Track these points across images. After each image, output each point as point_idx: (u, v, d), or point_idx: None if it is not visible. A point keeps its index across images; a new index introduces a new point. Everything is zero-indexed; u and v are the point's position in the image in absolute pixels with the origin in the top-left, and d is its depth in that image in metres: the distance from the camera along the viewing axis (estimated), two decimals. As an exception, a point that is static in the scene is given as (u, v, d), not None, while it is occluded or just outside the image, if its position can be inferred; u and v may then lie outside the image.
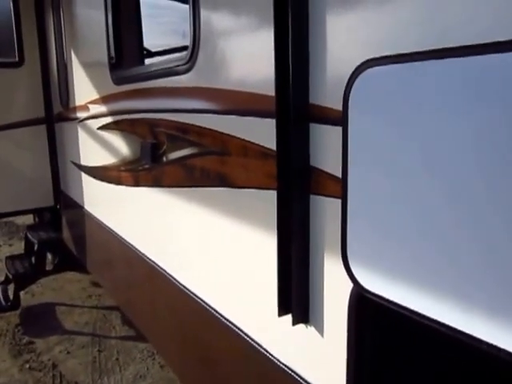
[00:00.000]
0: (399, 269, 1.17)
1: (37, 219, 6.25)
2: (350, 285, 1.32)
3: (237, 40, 1.76)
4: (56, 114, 4.67)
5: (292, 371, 1.65)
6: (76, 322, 4.85)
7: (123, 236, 3.15)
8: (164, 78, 2.27)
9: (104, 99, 3.18)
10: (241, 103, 1.73)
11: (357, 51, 1.22)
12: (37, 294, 5.46)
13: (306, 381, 1.59)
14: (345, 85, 1.20)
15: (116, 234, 3.28)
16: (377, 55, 1.13)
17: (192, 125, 2.08)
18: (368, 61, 1.14)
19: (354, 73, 1.18)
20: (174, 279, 2.46)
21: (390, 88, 1.10)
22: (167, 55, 3.82)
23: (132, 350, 4.27)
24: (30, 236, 5.16)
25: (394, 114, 1.10)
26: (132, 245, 3.01)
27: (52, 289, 5.61)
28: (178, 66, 2.11)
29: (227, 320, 2.00)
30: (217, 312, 2.08)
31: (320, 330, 1.52)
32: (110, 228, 3.41)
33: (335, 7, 1.31)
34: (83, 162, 3.94)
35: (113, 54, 2.94)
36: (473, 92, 0.93)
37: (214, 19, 1.88)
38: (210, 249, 2.12)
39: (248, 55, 1.69)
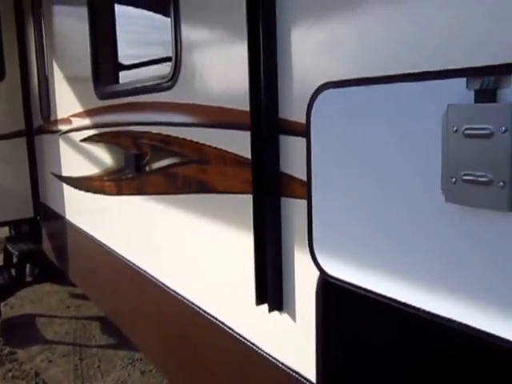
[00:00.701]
0: (357, 256, 1.42)
1: (13, 231, 6.36)
2: (317, 273, 1.57)
3: (214, 62, 2.02)
4: (36, 127, 4.85)
5: (269, 355, 1.89)
6: (56, 332, 5.00)
7: (107, 244, 3.36)
8: (148, 93, 2.51)
9: (88, 113, 3.40)
10: (219, 117, 1.98)
11: (317, 75, 1.48)
12: (16, 306, 5.58)
13: (282, 363, 1.83)
14: (307, 103, 1.46)
15: (100, 242, 3.48)
16: (333, 79, 1.40)
17: (174, 137, 2.32)
18: (326, 83, 1.40)
19: (314, 93, 1.44)
20: (160, 282, 2.68)
21: (343, 106, 1.37)
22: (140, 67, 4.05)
23: (113, 358, 4.44)
24: (9, 248, 5.30)
25: (347, 128, 1.36)
26: (116, 252, 3.22)
27: (31, 301, 5.73)
28: (162, 83, 2.35)
29: (210, 315, 2.24)
30: (200, 308, 2.31)
31: (292, 316, 1.76)
32: (93, 236, 3.61)
33: (299, 37, 1.57)
34: (65, 173, 4.14)
35: (97, 69, 3.17)
36: (404, 111, 1.20)
37: (194, 44, 2.14)
38: (193, 250, 2.36)
39: (225, 75, 1.95)
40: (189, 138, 2.21)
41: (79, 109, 3.57)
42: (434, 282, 1.20)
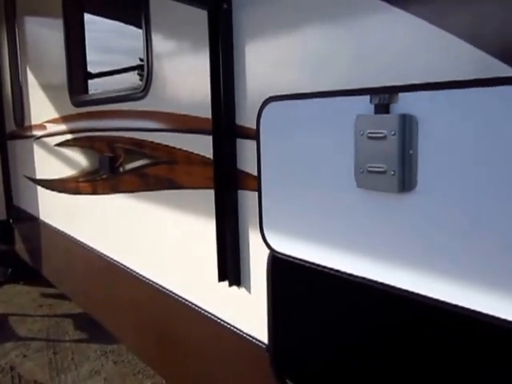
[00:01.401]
0: (299, 234, 1.79)
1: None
2: (267, 251, 1.94)
3: (182, 75, 2.38)
4: (9, 132, 5.10)
5: (230, 325, 2.24)
6: (29, 329, 5.21)
7: (83, 240, 3.66)
8: (123, 102, 2.85)
9: (63, 119, 3.71)
10: (186, 124, 2.34)
11: (265, 89, 1.86)
12: (-14, 306, 5.76)
13: (241, 330, 2.19)
14: (257, 112, 1.83)
15: (75, 239, 3.78)
16: (277, 93, 1.77)
17: (146, 141, 2.67)
18: (270, 97, 1.78)
19: (262, 104, 1.81)
20: (134, 271, 3.01)
21: (284, 116, 1.74)
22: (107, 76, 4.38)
23: (86, 351, 4.70)
24: (-19, 249, 5.51)
25: (287, 133, 1.74)
26: (92, 247, 3.53)
27: (2, 301, 5.91)
28: (135, 93, 2.70)
29: (179, 296, 2.59)
30: (171, 292, 2.66)
31: (248, 289, 2.13)
32: (68, 234, 3.91)
33: (252, 55, 1.94)
34: (40, 176, 4.41)
35: (72, 78, 3.48)
36: (327, 120, 1.58)
37: (163, 60, 2.50)
38: (163, 240, 2.70)
39: (190, 87, 2.31)
40: (159, 142, 2.56)
41: (54, 115, 3.87)
42: (355, 249, 1.58)
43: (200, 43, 2.15)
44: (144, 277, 2.90)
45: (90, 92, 3.70)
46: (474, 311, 1.29)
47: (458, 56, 1.28)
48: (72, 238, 3.85)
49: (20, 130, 4.76)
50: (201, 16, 2.04)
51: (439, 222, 1.33)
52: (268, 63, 1.87)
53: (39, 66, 4.26)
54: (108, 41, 3.86)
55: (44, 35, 4.16)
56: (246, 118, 2.00)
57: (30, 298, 5.99)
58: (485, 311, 1.26)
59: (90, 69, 4.82)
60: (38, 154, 4.38)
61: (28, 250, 5.10)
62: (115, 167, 3.03)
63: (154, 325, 2.94)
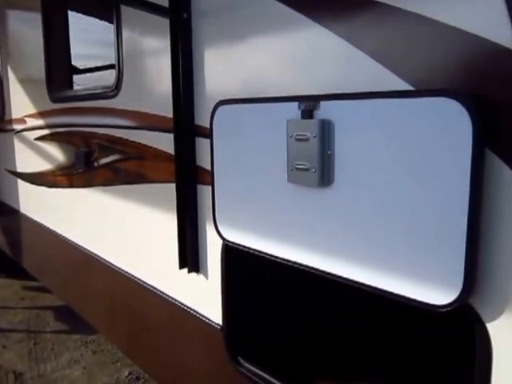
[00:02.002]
0: (247, 225, 2.08)
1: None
2: (221, 241, 2.23)
3: (148, 77, 2.67)
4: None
5: (191, 309, 2.55)
6: (10, 321, 5.51)
7: (60, 232, 3.96)
8: (96, 100, 3.14)
9: (42, 114, 4.00)
10: (152, 122, 2.63)
11: (219, 93, 2.15)
12: (-33, 299, 6.05)
13: (199, 313, 2.49)
14: (210, 114, 2.13)
15: (53, 230, 4.08)
16: (226, 98, 2.07)
17: (118, 137, 2.96)
18: (221, 101, 2.07)
19: (214, 107, 2.10)
20: (107, 262, 3.31)
21: (232, 118, 2.04)
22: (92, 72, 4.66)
23: (66, 341, 5.00)
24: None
25: (235, 133, 2.03)
26: (68, 238, 3.83)
27: (-16, 294, 6.21)
28: (107, 92, 2.99)
29: (146, 283, 2.89)
30: (139, 279, 2.96)
31: (206, 275, 2.43)
32: (47, 226, 4.21)
33: (208, 62, 2.23)
34: (20, 169, 4.70)
35: (51, 76, 3.77)
36: (266, 123, 1.87)
37: (132, 62, 2.80)
38: (133, 230, 3.00)
39: (155, 88, 2.61)
40: (129, 139, 2.85)
41: (34, 110, 4.15)
42: (288, 237, 1.88)
43: (164, 48, 2.43)
44: (117, 266, 3.20)
45: (80, 86, 3.99)
46: (381, 290, 1.59)
47: (367, 71, 1.57)
48: (51, 230, 4.14)
49: (0, 123, 5.03)
50: (166, 22, 2.33)
51: (353, 212, 1.63)
52: (222, 69, 2.17)
53: (19, 61, 4.54)
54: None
55: (24, 29, 4.44)
56: (204, 118, 2.29)
57: (11, 291, 6.28)
58: (386, 288, 1.57)
59: (85, 62, 5.13)
60: (19, 147, 4.67)
61: (9, 243, 5.39)
62: (90, 162, 3.32)
63: (125, 312, 3.24)
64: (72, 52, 4.08)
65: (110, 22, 3.49)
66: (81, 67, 5.80)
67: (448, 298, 1.40)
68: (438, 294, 1.42)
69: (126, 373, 4.34)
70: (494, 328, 1.38)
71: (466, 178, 1.32)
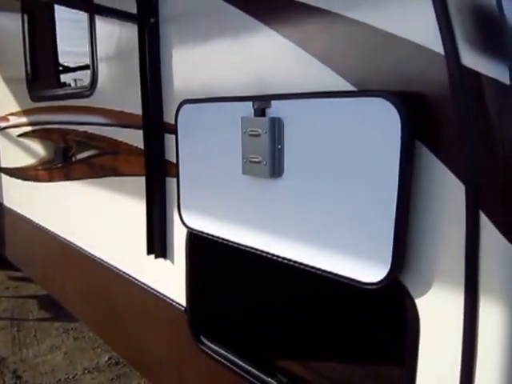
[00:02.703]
0: (209, 214, 2.16)
1: None
2: (185, 229, 2.31)
3: (120, 77, 2.73)
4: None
5: (157, 292, 2.61)
6: (-5, 309, 5.50)
7: (42, 224, 4.00)
8: (74, 99, 3.19)
9: (23, 112, 4.03)
10: (124, 119, 2.69)
11: (184, 92, 2.22)
12: (-49, 289, 6.01)
13: (166, 296, 2.56)
14: (175, 112, 2.19)
15: (36, 223, 4.12)
16: (189, 97, 2.14)
17: (93, 134, 3.01)
18: (184, 100, 2.14)
19: (179, 105, 2.18)
20: (85, 251, 3.36)
21: (195, 115, 2.11)
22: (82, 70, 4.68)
23: (48, 328, 5.01)
24: None
25: (198, 130, 2.11)
26: (49, 229, 3.87)
27: (-32, 284, 6.18)
28: (83, 91, 3.04)
29: (117, 268, 2.96)
30: (114, 267, 3.02)
31: (172, 261, 2.50)
32: (30, 219, 4.24)
33: (175, 62, 2.30)
34: (3, 165, 4.71)
35: (31, 76, 3.80)
36: (225, 120, 1.95)
37: (105, 64, 2.86)
38: (108, 220, 3.06)
39: (126, 87, 2.66)
40: (104, 135, 2.91)
41: (16, 108, 4.18)
42: (245, 224, 1.96)
43: (134, 49, 2.49)
44: (92, 254, 3.26)
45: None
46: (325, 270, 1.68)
47: (315, 72, 1.66)
48: (32, 222, 4.18)
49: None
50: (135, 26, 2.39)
51: (300, 200, 1.72)
52: (188, 70, 2.24)
53: (3, 61, 4.54)
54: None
55: (7, 28, 4.44)
56: (172, 116, 2.35)
57: (-4, 281, 6.27)
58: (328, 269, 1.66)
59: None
60: (2, 144, 4.68)
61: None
62: (68, 157, 3.37)
63: (99, 298, 3.30)
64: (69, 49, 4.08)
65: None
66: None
67: (378, 276, 1.49)
68: (370, 272, 1.52)
69: (106, 358, 4.37)
70: (421, 303, 1.47)
71: (396, 166, 1.41)
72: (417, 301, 1.48)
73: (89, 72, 3.07)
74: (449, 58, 1.31)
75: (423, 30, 1.37)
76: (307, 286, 2.57)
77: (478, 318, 1.35)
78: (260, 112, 1.78)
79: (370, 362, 2.36)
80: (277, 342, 2.55)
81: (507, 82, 1.27)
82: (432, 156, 1.39)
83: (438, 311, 1.44)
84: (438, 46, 1.33)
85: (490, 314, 1.33)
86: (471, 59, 1.29)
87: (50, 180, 3.74)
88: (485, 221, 1.32)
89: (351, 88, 1.57)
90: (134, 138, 2.65)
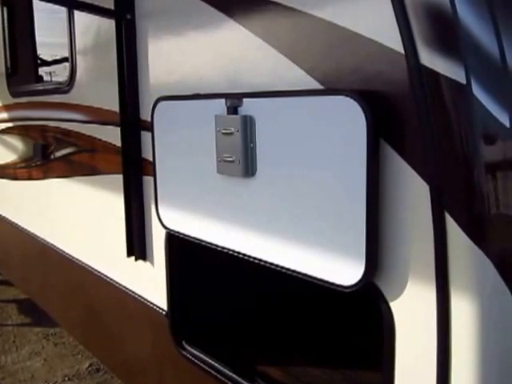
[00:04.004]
0: (185, 214, 2.25)
1: None
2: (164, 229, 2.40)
3: (97, 74, 2.83)
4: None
5: (137, 295, 2.71)
6: (-27, 315, 5.60)
7: (21, 224, 4.09)
8: (51, 95, 3.29)
9: (4, 108, 4.12)
10: (102, 116, 2.79)
11: (158, 90, 2.32)
12: None
13: (146, 300, 2.66)
14: (151, 109, 2.29)
15: (14, 223, 4.21)
16: (165, 94, 2.23)
17: (72, 131, 3.11)
18: (160, 97, 2.24)
19: (155, 102, 2.27)
20: (64, 252, 3.46)
21: (171, 113, 2.21)
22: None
23: (27, 334, 5.11)
24: None
25: (174, 128, 2.20)
26: (28, 231, 3.97)
27: None
28: (62, 87, 3.14)
29: (97, 270, 3.05)
30: (93, 269, 3.12)
31: (152, 263, 2.59)
32: (8, 219, 4.33)
33: (151, 60, 2.39)
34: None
35: (10, 71, 3.91)
36: (201, 118, 2.04)
37: (83, 60, 2.95)
38: (87, 221, 3.15)
39: (103, 84, 2.76)
40: (82, 132, 3.01)
41: (-4, 104, 4.29)
42: (220, 224, 2.05)
43: (112, 44, 2.58)
44: (71, 256, 3.35)
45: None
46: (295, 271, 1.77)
47: (283, 70, 1.76)
48: (10, 222, 4.27)
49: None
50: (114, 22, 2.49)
51: (273, 199, 1.81)
52: (164, 67, 2.34)
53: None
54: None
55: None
56: (147, 113, 2.45)
57: (-25, 286, 6.36)
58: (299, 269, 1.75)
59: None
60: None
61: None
62: (47, 154, 3.47)
63: (79, 302, 3.40)
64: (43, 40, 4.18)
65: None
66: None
67: (353, 279, 1.58)
68: (345, 275, 1.60)
69: (87, 364, 4.47)
70: (396, 305, 1.56)
71: (363, 166, 1.50)
72: (391, 304, 1.56)
73: (64, 65, 3.16)
74: (408, 57, 1.41)
75: (384, 29, 1.46)
76: (287, 287, 2.67)
77: (451, 318, 1.43)
78: (232, 110, 1.88)
79: (348, 366, 2.46)
80: (258, 346, 2.64)
81: (464, 81, 1.37)
82: (396, 156, 1.48)
83: (412, 313, 1.52)
84: (398, 45, 1.42)
85: (460, 314, 1.41)
86: (429, 59, 1.38)
87: (29, 178, 3.84)
88: (450, 221, 1.41)
89: (318, 86, 1.66)
90: (112, 135, 2.74)
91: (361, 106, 1.48)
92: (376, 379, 2.02)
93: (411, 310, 1.53)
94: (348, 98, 1.50)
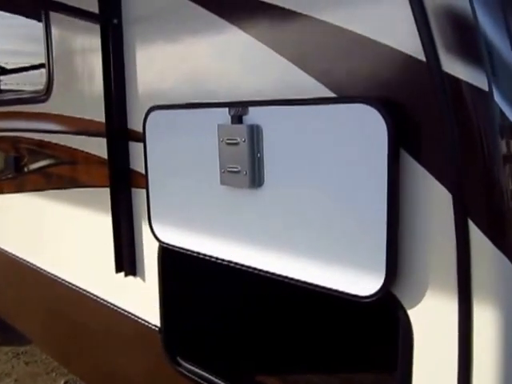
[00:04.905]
0: (182, 227, 2.16)
1: None
2: (157, 243, 2.30)
3: (79, 82, 2.70)
4: None
5: (128, 312, 2.60)
6: None
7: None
8: (25, 104, 3.14)
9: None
10: (84, 126, 2.67)
11: (151, 98, 2.23)
12: None
13: (137, 316, 2.55)
14: (143, 119, 2.20)
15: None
16: (157, 104, 2.15)
17: (49, 142, 2.97)
18: (153, 106, 2.15)
19: (147, 112, 2.18)
20: (40, 268, 3.30)
21: (165, 122, 2.12)
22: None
23: (-4, 354, 4.89)
24: None
25: (168, 138, 2.12)
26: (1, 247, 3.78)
27: None
28: (37, 96, 2.99)
29: (83, 289, 2.91)
30: (75, 286, 2.98)
31: (143, 278, 2.49)
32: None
33: (140, 69, 2.30)
34: None
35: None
36: (199, 128, 1.97)
37: (62, 68, 2.82)
38: (68, 237, 3.01)
39: (88, 93, 2.64)
40: (61, 143, 2.87)
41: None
42: (222, 237, 1.98)
43: (95, 52, 2.48)
44: (50, 273, 3.20)
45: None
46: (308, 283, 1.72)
47: (290, 77, 1.70)
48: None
49: None
50: (96, 26, 2.37)
51: (283, 211, 1.75)
52: (154, 74, 2.25)
53: None
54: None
55: None
56: (136, 123, 2.35)
57: None
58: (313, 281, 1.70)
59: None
60: None
61: None
62: (20, 167, 3.31)
63: (61, 321, 3.25)
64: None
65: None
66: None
67: (373, 288, 1.54)
68: (364, 285, 1.56)
69: (62, 382, 4.30)
70: (414, 314, 1.52)
71: (384, 175, 1.46)
72: (409, 312, 1.53)
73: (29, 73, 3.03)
74: (430, 63, 1.38)
75: (402, 35, 1.43)
76: (285, 300, 2.62)
77: (473, 327, 1.41)
78: (237, 119, 1.81)
79: (346, 371, 2.44)
80: (255, 357, 2.58)
81: (486, 88, 1.35)
82: (417, 165, 1.44)
83: (432, 323, 1.49)
84: (417, 51, 1.39)
85: (484, 323, 1.39)
86: (452, 65, 1.35)
87: (0, 192, 3.66)
88: (474, 229, 1.38)
89: (329, 93, 1.61)
90: (95, 146, 2.63)
91: (382, 115, 1.44)
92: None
93: (431, 319, 1.49)
94: (368, 106, 1.46)
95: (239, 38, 1.84)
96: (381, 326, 2.49)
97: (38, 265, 3.35)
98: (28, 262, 3.45)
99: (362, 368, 2.42)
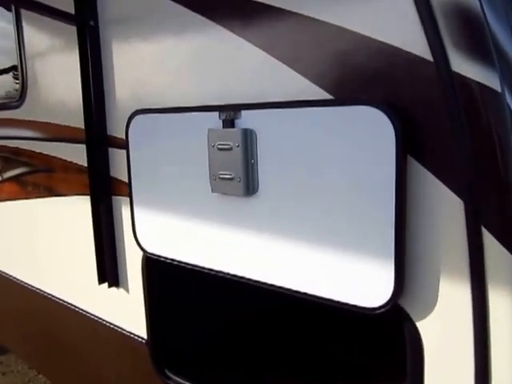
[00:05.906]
0: (168, 236, 2.00)
1: None
2: (141, 252, 2.13)
3: (55, 87, 2.50)
4: None
5: (113, 324, 2.41)
6: None
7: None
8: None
9: None
10: (61, 133, 2.47)
11: (132, 103, 2.04)
12: None
13: (121, 328, 2.37)
14: (125, 124, 2.01)
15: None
16: (141, 108, 1.97)
17: (23, 149, 2.75)
18: (136, 110, 1.97)
19: (130, 117, 2.00)
20: (18, 280, 3.07)
21: (149, 127, 1.94)
22: None
23: (-29, 365, 4.61)
24: None
25: (154, 143, 1.94)
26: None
27: None
28: (11, 102, 2.77)
29: (63, 301, 2.71)
30: (55, 297, 2.77)
31: (127, 289, 2.31)
32: None
33: (119, 74, 2.12)
34: None
35: None
36: (186, 132, 1.80)
37: (37, 73, 2.60)
38: (46, 247, 2.80)
39: (63, 98, 2.44)
40: (36, 150, 2.66)
41: None
42: (212, 246, 1.82)
43: (72, 56, 2.28)
44: (28, 284, 2.98)
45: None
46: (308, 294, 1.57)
47: (284, 79, 1.55)
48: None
49: None
50: (70, 28, 2.18)
51: (279, 219, 1.60)
52: (134, 78, 2.06)
53: None
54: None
55: None
56: (116, 129, 2.17)
57: None
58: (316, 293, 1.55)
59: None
60: None
61: None
62: (-8, 175, 3.07)
63: (42, 332, 3.02)
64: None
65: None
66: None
67: (380, 301, 1.41)
68: (372, 297, 1.43)
69: (40, 392, 4.08)
70: (424, 326, 1.40)
71: (392, 183, 1.33)
72: (418, 324, 1.41)
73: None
74: (438, 63, 1.25)
75: (411, 36, 1.30)
76: (276, 310, 2.47)
77: (490, 340, 1.29)
78: (229, 123, 1.65)
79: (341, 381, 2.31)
80: (244, 368, 2.43)
81: (499, 89, 1.23)
82: (425, 171, 1.32)
83: (443, 334, 1.37)
84: (423, 50, 1.27)
85: (501, 335, 1.28)
86: (461, 65, 1.23)
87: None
88: (487, 235, 1.27)
89: (326, 95, 1.47)
90: (72, 153, 2.43)
91: (389, 118, 1.30)
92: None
93: (443, 331, 1.38)
94: (374, 109, 1.32)
95: (224, 37, 1.68)
96: (377, 339, 2.38)
97: (17, 276, 3.12)
98: (5, 273, 3.21)
99: (357, 381, 2.29)
